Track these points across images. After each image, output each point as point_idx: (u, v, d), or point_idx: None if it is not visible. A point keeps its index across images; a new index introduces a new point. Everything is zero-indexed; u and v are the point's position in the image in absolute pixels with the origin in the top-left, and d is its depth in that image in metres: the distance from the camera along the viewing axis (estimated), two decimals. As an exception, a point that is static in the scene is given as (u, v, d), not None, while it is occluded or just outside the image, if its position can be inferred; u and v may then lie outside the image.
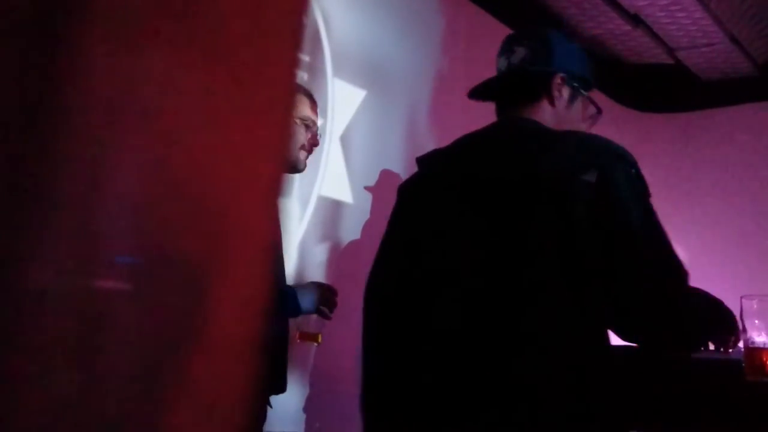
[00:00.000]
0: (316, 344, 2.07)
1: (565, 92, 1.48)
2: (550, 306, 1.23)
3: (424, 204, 1.45)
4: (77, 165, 0.46)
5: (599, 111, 1.58)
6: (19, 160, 0.45)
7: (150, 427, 0.47)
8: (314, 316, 1.99)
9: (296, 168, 2.03)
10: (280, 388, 1.94)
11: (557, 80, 1.46)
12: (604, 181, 1.25)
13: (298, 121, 2.00)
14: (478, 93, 1.56)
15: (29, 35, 0.46)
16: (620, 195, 1.25)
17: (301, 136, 2.00)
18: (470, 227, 1.33)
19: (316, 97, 2.15)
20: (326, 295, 1.96)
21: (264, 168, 0.53)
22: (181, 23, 0.50)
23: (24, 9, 0.46)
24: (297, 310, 1.92)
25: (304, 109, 2.03)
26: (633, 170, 1.32)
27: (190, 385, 0.49)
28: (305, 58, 2.63)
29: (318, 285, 2.03)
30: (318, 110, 2.13)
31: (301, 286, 2.02)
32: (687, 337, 1.32)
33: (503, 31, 3.50)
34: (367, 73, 2.93)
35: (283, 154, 0.59)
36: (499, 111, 1.53)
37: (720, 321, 1.36)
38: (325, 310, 1.96)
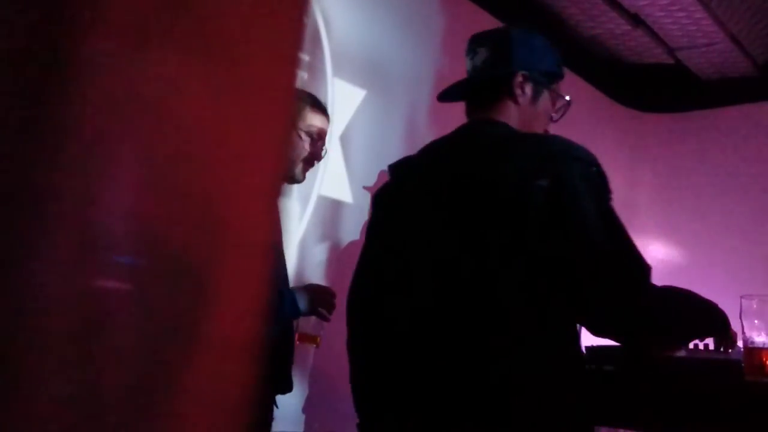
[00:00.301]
0: (315, 346, 2.06)
1: (528, 89, 1.50)
2: (509, 312, 1.27)
3: (395, 213, 1.51)
4: (77, 165, 0.46)
5: (569, 102, 1.59)
6: (19, 160, 0.45)
7: (151, 428, 0.47)
8: (314, 318, 1.99)
9: (294, 179, 2.00)
10: (286, 388, 1.94)
11: (518, 79, 1.49)
12: (558, 185, 1.27)
13: (302, 133, 1.97)
14: (448, 96, 1.60)
15: (32, 35, 0.46)
16: (575, 196, 1.27)
17: (303, 149, 1.96)
18: (436, 236, 1.38)
19: (316, 96, 2.13)
20: (323, 297, 1.94)
21: (264, 168, 0.53)
22: (181, 23, 0.50)
23: (26, 9, 0.46)
24: (295, 312, 1.91)
25: (312, 121, 1.99)
26: (593, 169, 1.34)
27: (190, 385, 0.49)
28: (305, 57, 2.63)
29: (314, 287, 2.03)
30: (329, 122, 2.08)
31: (298, 288, 2.00)
32: (656, 331, 1.33)
33: (503, 30, 3.51)
34: (367, 72, 2.93)
35: (283, 154, 0.60)
36: (468, 112, 1.57)
37: (696, 315, 1.37)
38: (323, 311, 1.94)
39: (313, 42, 2.67)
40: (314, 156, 2.00)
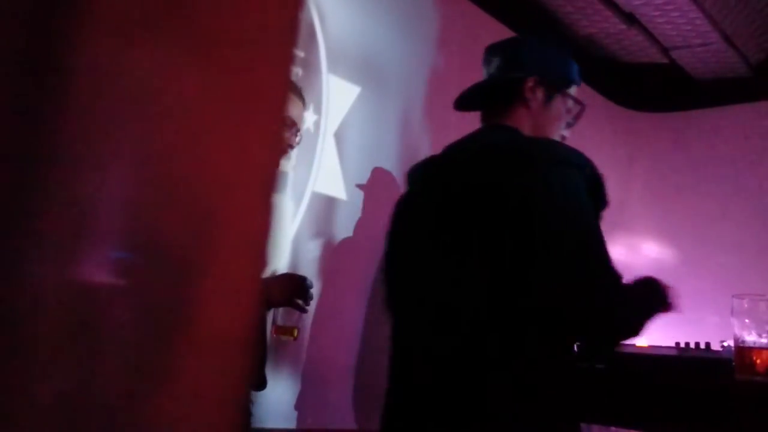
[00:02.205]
0: (291, 338, 1.94)
1: (540, 93, 1.54)
2: (485, 321, 1.30)
3: (402, 221, 1.56)
4: (69, 162, 0.46)
5: (582, 106, 1.61)
6: (13, 155, 0.45)
7: (141, 420, 0.47)
8: (291, 309, 1.87)
9: None
10: (260, 385, 1.85)
11: (529, 83, 1.53)
12: (534, 185, 1.28)
13: None
14: (463, 104, 1.65)
15: (26, 33, 0.46)
16: (549, 198, 1.28)
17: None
18: (428, 241, 1.43)
19: (311, 93, 2.11)
20: (300, 287, 1.83)
21: (256, 164, 0.53)
22: (175, 19, 0.50)
23: (21, 8, 0.46)
24: (269, 304, 1.82)
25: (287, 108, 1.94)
26: (577, 172, 1.33)
27: (181, 378, 0.49)
28: (300, 53, 2.63)
29: (289, 276, 1.94)
30: (305, 109, 2.03)
31: (272, 277, 1.91)
32: (621, 335, 1.35)
33: (498, 28, 3.52)
34: (362, 69, 2.93)
35: (276, 150, 0.59)
36: (482, 118, 1.60)
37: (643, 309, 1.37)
38: (300, 302, 1.83)
39: (308, 38, 2.67)
40: (288, 142, 1.92)
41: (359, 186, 2.86)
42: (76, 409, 0.45)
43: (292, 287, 1.83)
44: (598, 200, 1.35)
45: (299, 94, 1.99)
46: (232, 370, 0.50)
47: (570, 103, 1.59)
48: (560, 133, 1.60)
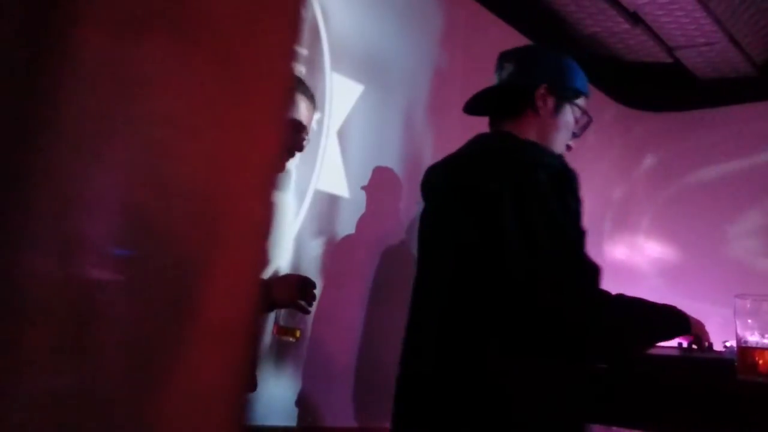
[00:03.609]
0: (293, 340, 1.91)
1: (550, 102, 1.57)
2: (457, 309, 1.38)
3: (421, 227, 1.64)
4: (71, 157, 0.46)
5: (590, 118, 1.65)
6: (13, 152, 0.45)
7: (140, 417, 0.47)
8: (293, 310, 1.84)
9: None
10: (250, 387, 1.81)
11: (540, 91, 1.55)
12: (508, 189, 1.35)
13: None
14: (472, 108, 1.67)
15: (24, 25, 0.45)
16: (520, 200, 1.34)
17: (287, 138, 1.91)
18: (423, 239, 1.55)
19: (314, 90, 2.10)
20: (303, 287, 1.81)
21: (258, 161, 0.53)
22: (178, 17, 0.50)
23: (16, 5, 0.46)
24: (272, 304, 1.80)
25: (295, 110, 1.93)
26: (544, 172, 1.38)
27: (180, 375, 0.49)
28: (303, 51, 2.63)
29: (293, 276, 1.93)
30: (314, 111, 2.02)
31: (277, 278, 1.90)
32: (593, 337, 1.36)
33: (502, 27, 3.52)
34: (366, 67, 2.93)
35: (279, 147, 0.59)
36: (490, 122, 1.65)
37: (637, 318, 1.40)
38: (303, 303, 1.81)
39: (311, 35, 2.67)
40: (294, 146, 1.89)
41: (362, 188, 2.86)
42: (74, 406, 0.45)
43: (296, 288, 1.80)
44: (569, 198, 1.39)
45: (311, 96, 1.97)
46: (232, 366, 0.50)
47: (578, 113, 1.62)
48: (566, 142, 1.64)
